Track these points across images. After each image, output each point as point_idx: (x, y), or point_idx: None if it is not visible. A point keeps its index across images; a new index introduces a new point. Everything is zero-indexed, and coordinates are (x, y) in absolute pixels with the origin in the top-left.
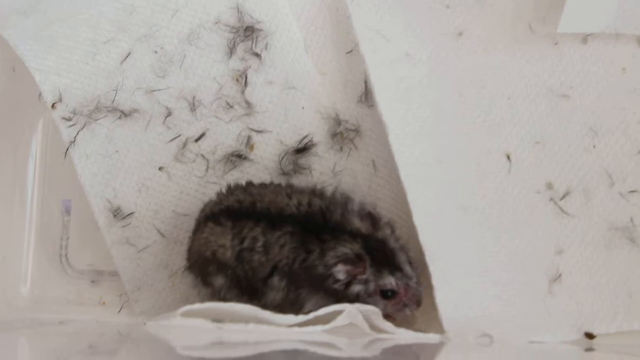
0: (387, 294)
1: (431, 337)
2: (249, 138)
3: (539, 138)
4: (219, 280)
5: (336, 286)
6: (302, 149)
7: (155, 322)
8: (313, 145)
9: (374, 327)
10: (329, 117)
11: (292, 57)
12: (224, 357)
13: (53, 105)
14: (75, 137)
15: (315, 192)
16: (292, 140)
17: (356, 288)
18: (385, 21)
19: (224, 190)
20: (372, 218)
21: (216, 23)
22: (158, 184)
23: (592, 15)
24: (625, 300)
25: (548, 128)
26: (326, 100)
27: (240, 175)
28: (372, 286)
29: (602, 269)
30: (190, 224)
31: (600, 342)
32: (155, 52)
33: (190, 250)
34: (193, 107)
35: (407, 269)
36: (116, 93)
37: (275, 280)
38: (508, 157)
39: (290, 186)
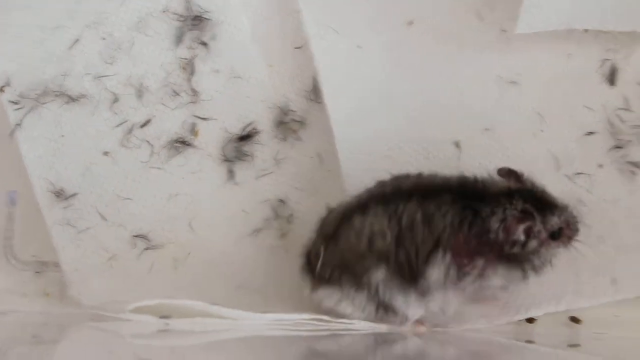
0: (555, 235)
1: (382, 327)
2: (193, 125)
3: (488, 125)
4: (378, 275)
5: (515, 249)
6: (246, 137)
7: (103, 314)
8: (257, 133)
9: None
10: (275, 107)
11: (239, 47)
12: (173, 345)
13: (1, 89)
14: (22, 119)
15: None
16: (236, 128)
17: (532, 244)
18: (336, 14)
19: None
20: (512, 172)
21: (164, 11)
22: (103, 168)
23: (549, 14)
24: (574, 279)
25: (497, 115)
26: (272, 91)
27: (184, 161)
28: (542, 234)
29: None
30: (134, 208)
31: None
32: (104, 38)
33: (327, 262)
34: (140, 93)
35: (558, 200)
36: (64, 78)
37: (439, 255)
38: (457, 145)
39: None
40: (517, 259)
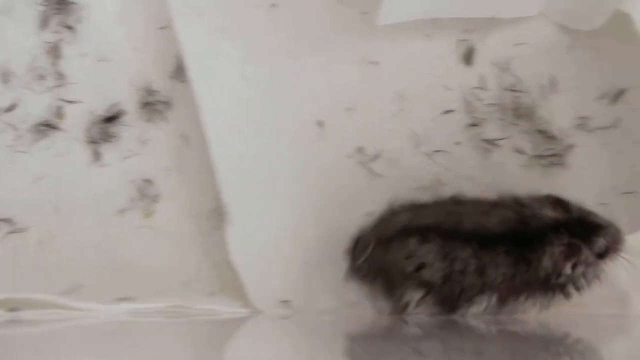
0: (602, 255)
1: (238, 311)
2: (59, 108)
3: (350, 104)
4: (414, 296)
5: (561, 280)
6: (111, 118)
7: None
8: (122, 114)
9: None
10: (141, 88)
11: (105, 30)
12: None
13: None
14: None
15: (505, 203)
16: (102, 110)
17: (579, 270)
18: None
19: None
20: (559, 201)
21: None
22: None
23: (410, 4)
24: None
25: (358, 94)
26: (138, 73)
27: (50, 144)
28: (590, 259)
29: None
30: None
31: None
32: None
33: (369, 260)
34: (5, 78)
35: (601, 219)
36: None
37: (485, 297)
38: (320, 124)
39: (481, 201)
40: (562, 286)
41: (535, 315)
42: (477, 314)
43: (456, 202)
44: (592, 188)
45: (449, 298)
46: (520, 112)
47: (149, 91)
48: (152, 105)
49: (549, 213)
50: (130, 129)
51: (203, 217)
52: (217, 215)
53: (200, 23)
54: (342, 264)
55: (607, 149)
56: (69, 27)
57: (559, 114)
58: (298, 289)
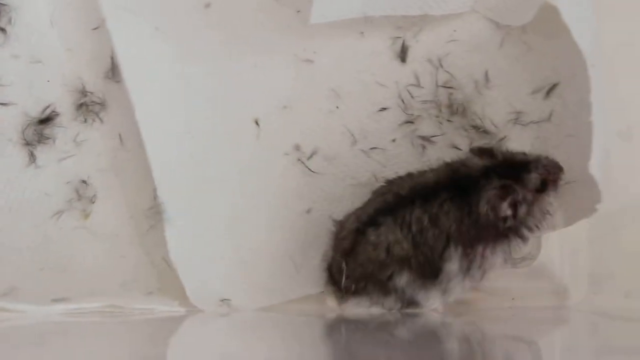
0: (541, 188)
1: (176, 310)
2: None
3: (286, 102)
4: (403, 278)
5: (509, 223)
6: (46, 120)
7: None
8: (57, 115)
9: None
10: (75, 90)
11: (38, 32)
12: None
13: None
14: None
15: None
16: (36, 112)
17: (522, 210)
18: None
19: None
20: (483, 150)
21: None
22: None
23: (341, 2)
24: None
25: (294, 92)
26: (72, 74)
27: None
28: (528, 196)
29: None
30: None
31: None
32: None
33: (350, 276)
34: None
35: (529, 155)
36: None
37: (452, 249)
38: (257, 123)
39: (411, 172)
40: (514, 230)
41: (505, 270)
42: (455, 273)
43: (389, 182)
44: None
45: (427, 262)
46: (455, 108)
47: (84, 92)
48: (87, 106)
49: (477, 161)
50: (66, 130)
51: (141, 217)
52: (154, 214)
53: (133, 23)
54: (280, 262)
55: (542, 143)
56: (1, 29)
57: (493, 109)
58: (237, 287)
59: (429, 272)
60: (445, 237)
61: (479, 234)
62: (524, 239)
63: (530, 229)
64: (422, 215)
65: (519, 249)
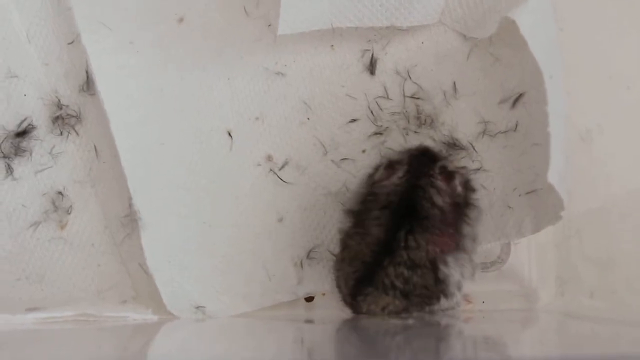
0: (450, 176)
1: (149, 318)
2: None
3: (258, 114)
4: (412, 315)
5: (459, 199)
6: (22, 133)
7: None
8: (33, 128)
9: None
10: (51, 103)
11: (15, 47)
12: None
13: None
14: None
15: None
16: (13, 125)
17: (438, 201)
18: (108, 11)
19: None
20: (391, 163)
21: None
22: None
23: (307, 14)
24: None
25: (266, 104)
26: (48, 88)
27: None
28: (442, 185)
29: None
30: None
31: None
32: None
33: (362, 296)
34: None
35: (438, 150)
36: None
37: (443, 267)
38: (229, 134)
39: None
40: (467, 204)
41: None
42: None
43: (346, 236)
44: (497, 190)
45: (427, 297)
46: (423, 119)
47: (59, 105)
48: (62, 119)
49: (395, 180)
50: (42, 143)
51: (116, 227)
52: (130, 222)
53: (107, 37)
54: (252, 270)
55: (509, 152)
56: None
57: (461, 119)
58: (211, 295)
59: (434, 299)
60: (431, 264)
61: (445, 222)
62: (478, 208)
63: (474, 192)
64: (398, 269)
65: (480, 217)
